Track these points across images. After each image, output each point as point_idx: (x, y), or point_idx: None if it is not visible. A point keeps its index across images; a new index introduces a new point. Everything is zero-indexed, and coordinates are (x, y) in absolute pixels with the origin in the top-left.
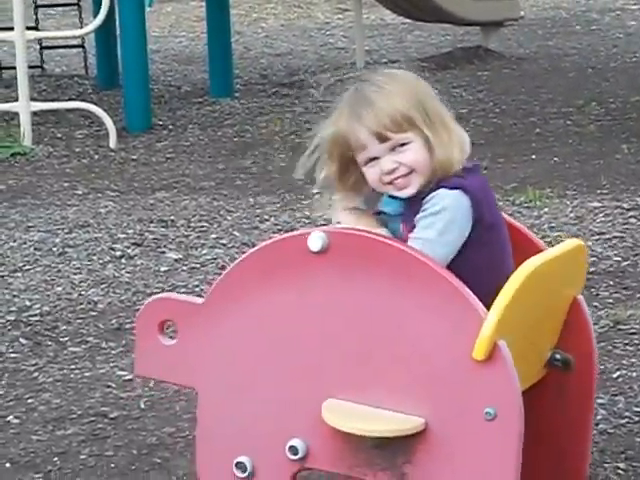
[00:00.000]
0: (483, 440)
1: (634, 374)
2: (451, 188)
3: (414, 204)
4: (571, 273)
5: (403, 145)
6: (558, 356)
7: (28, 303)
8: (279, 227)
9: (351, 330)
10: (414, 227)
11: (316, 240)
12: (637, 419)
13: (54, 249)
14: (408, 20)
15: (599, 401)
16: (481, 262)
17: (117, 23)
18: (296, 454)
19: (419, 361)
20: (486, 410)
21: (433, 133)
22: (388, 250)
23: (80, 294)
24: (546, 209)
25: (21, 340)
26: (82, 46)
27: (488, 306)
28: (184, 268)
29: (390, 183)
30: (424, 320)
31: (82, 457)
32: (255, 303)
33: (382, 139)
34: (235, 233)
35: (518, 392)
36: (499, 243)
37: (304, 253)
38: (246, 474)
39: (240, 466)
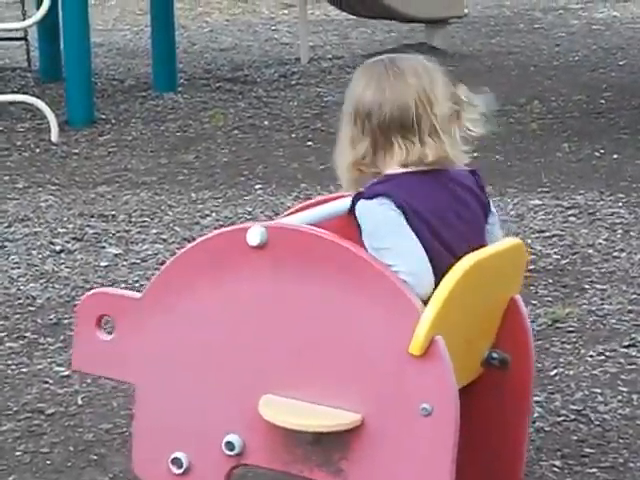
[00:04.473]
0: (419, 436)
1: (571, 372)
2: (367, 198)
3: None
4: (509, 272)
5: None
6: (495, 355)
7: None
8: (220, 223)
9: (287, 325)
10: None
11: (255, 234)
12: (573, 417)
13: None
14: (353, 17)
15: (536, 399)
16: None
17: (60, 16)
18: (232, 450)
19: (355, 357)
20: (422, 406)
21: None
22: (325, 245)
23: (18, 289)
24: None
25: None
26: (25, 38)
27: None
28: (124, 263)
29: None
30: (360, 315)
31: (17, 454)
32: (193, 298)
33: None
34: (176, 228)
35: (454, 388)
36: (436, 242)
37: (243, 247)
38: (182, 470)
39: (176, 462)
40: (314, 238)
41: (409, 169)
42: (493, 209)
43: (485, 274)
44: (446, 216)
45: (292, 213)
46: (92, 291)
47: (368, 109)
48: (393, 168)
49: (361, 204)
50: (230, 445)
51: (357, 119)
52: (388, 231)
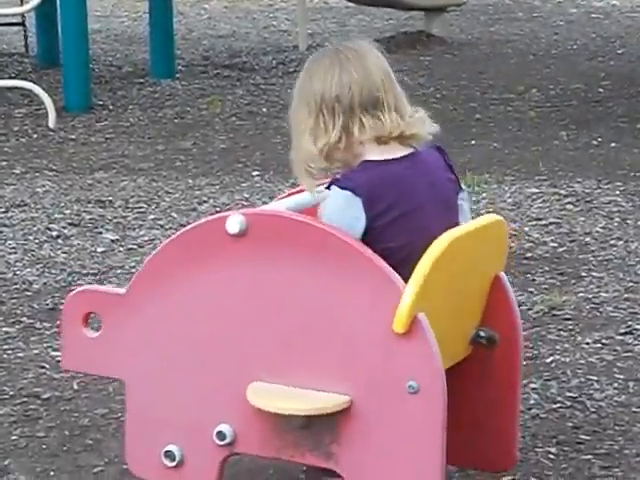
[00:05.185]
0: (407, 414)
1: (567, 359)
2: (340, 187)
3: None
4: (491, 248)
5: None
6: (482, 333)
7: None
8: (218, 209)
9: (272, 312)
10: None
11: (234, 223)
12: (569, 404)
13: None
14: (351, 4)
15: (532, 386)
16: (395, 249)
17: (58, 1)
18: (224, 439)
19: (341, 339)
20: (409, 383)
21: None
22: (305, 230)
23: (15, 274)
24: (484, 194)
25: None
26: (23, 24)
27: None
28: (121, 249)
29: None
30: (343, 297)
31: (13, 438)
32: (176, 289)
33: None
34: (173, 214)
35: (440, 364)
36: (415, 228)
37: (223, 236)
38: (175, 462)
39: (169, 455)
40: (294, 223)
41: (385, 156)
42: (463, 185)
43: (465, 251)
44: (425, 202)
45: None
46: (77, 289)
47: (336, 94)
48: (369, 149)
49: (333, 190)
50: (221, 435)
51: (323, 107)
52: (336, 225)
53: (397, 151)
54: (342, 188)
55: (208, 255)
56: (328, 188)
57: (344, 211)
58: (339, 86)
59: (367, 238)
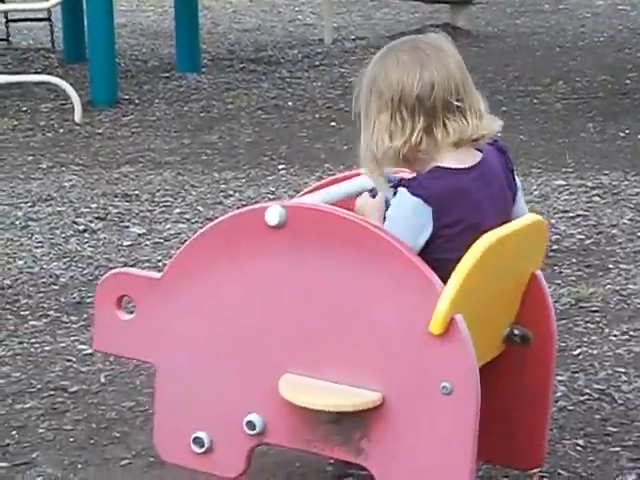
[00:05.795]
0: (440, 415)
1: (594, 351)
2: (411, 192)
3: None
4: (530, 248)
5: None
6: (517, 331)
7: None
8: (243, 202)
9: (308, 305)
10: None
11: (274, 214)
12: (596, 396)
13: (17, 222)
14: None
15: (559, 378)
16: (453, 260)
17: None
18: (254, 429)
19: (376, 335)
20: (442, 384)
21: None
22: (345, 225)
23: (42, 268)
24: None
25: None
26: (49, 19)
27: None
28: (147, 243)
29: None
30: (380, 294)
31: (40, 431)
32: (212, 277)
33: None
34: (199, 208)
35: (475, 366)
36: (473, 241)
37: (261, 227)
38: (204, 449)
39: (198, 441)
40: (333, 217)
41: (457, 163)
42: (518, 183)
43: (505, 252)
44: (486, 216)
45: (310, 192)
46: (112, 271)
47: (417, 93)
48: (444, 153)
49: (402, 193)
50: (251, 424)
51: (401, 106)
52: (402, 231)
53: (468, 156)
54: (413, 194)
55: (244, 245)
56: (394, 188)
57: (411, 218)
58: (421, 86)
59: (428, 247)
